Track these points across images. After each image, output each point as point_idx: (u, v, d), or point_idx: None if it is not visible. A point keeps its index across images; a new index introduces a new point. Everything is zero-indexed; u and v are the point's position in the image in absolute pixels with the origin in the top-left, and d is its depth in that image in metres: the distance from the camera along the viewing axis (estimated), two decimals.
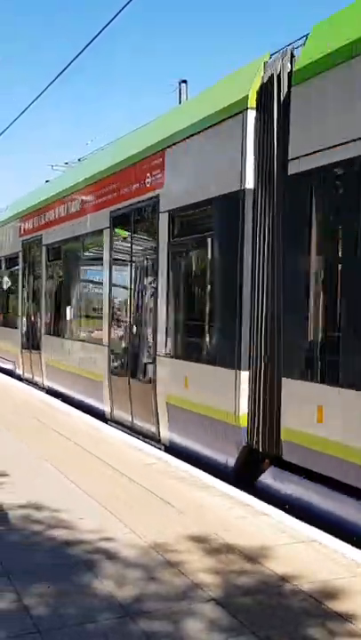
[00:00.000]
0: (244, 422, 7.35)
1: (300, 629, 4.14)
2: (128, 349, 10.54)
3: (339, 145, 5.99)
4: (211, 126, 8.12)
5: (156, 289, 9.39)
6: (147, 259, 10.11)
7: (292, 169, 6.62)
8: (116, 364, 10.92)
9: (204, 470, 7.87)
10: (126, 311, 10.81)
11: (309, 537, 5.68)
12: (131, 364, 10.37)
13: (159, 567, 5.02)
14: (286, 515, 6.25)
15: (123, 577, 4.85)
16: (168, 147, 9.19)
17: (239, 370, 7.37)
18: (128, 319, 10.68)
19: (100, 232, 11.50)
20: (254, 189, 7.26)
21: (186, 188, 8.73)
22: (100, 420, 11.11)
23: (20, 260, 16.85)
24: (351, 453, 5.81)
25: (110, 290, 11.14)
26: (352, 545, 5.48)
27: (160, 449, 9.15)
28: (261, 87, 7.25)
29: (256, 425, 7.15)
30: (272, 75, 7.06)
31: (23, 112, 27.78)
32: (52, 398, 13.48)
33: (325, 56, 6.21)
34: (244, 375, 7.33)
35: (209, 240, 8.40)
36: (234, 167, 7.53)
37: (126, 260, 10.72)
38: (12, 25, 60.81)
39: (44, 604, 4.41)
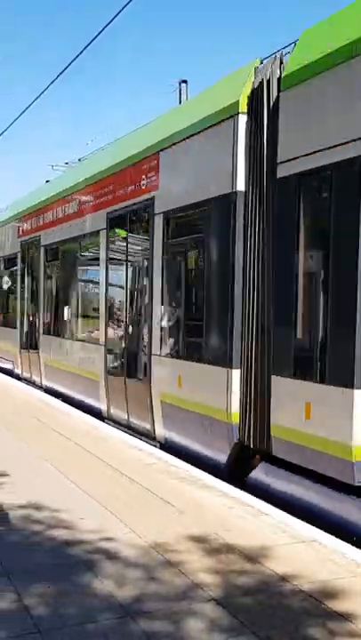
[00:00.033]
0: (235, 419, 7.52)
1: (301, 629, 4.15)
2: (124, 349, 10.72)
3: (319, 151, 6.21)
4: (204, 130, 8.29)
5: (151, 289, 9.57)
6: (142, 259, 10.28)
7: (281, 172, 6.80)
8: (112, 363, 11.09)
9: (198, 467, 8.03)
10: (122, 311, 10.98)
11: (310, 537, 5.71)
12: (127, 363, 10.55)
13: (159, 567, 5.04)
14: (287, 514, 6.29)
15: (123, 577, 4.87)
16: (162, 149, 9.37)
17: (231, 368, 7.54)
18: (124, 319, 10.86)
19: (97, 233, 11.67)
20: (245, 192, 7.43)
21: (180, 190, 8.90)
22: (97, 418, 11.28)
23: (19, 260, 17.03)
24: (335, 448, 5.99)
25: (107, 290, 11.31)
26: (352, 545, 5.54)
27: (155, 446, 9.32)
28: (252, 92, 7.42)
29: (247, 422, 7.32)
30: (262, 80, 7.23)
31: (23, 112, 27.90)
32: (52, 397, 13.59)
33: (311, 64, 6.39)
34: (236, 374, 7.50)
35: (202, 241, 8.58)
36: (226, 170, 7.70)
37: (122, 261, 10.90)
38: (12, 25, 61.02)
39: (45, 604, 4.43)
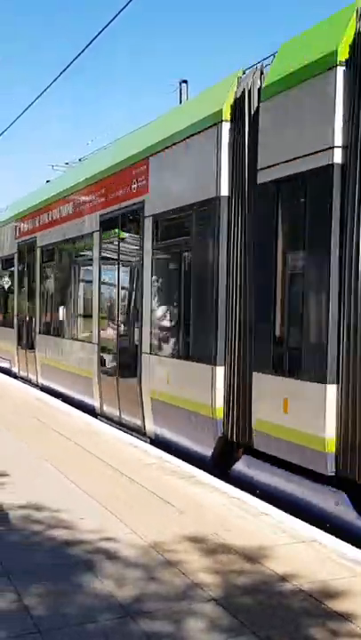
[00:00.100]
0: (220, 415, 7.85)
1: (301, 629, 4.17)
2: (116, 347, 11.06)
3: (295, 159, 6.56)
4: (190, 136, 8.62)
5: (142, 289, 9.90)
6: (133, 261, 10.62)
7: (261, 178, 7.14)
8: (105, 362, 11.43)
9: (186, 460, 8.35)
10: (114, 311, 11.32)
11: (310, 537, 5.75)
12: (119, 361, 10.89)
13: (159, 567, 5.07)
14: (287, 514, 6.36)
15: (123, 577, 4.89)
16: (152, 155, 9.70)
17: (215, 366, 7.87)
18: (116, 318, 11.19)
19: (90, 235, 12.01)
20: (229, 197, 7.76)
21: (168, 194, 9.23)
22: (91, 414, 11.61)
23: (16, 261, 17.38)
24: (309, 440, 6.33)
25: (99, 290, 11.66)
26: (352, 545, 5.61)
27: (146, 442, 9.65)
28: (235, 101, 7.75)
29: (230, 417, 7.65)
30: (244, 90, 7.56)
31: (23, 112, 27.95)
32: (50, 397, 13.78)
33: (287, 76, 6.74)
34: (220, 371, 7.83)
35: (188, 243, 8.90)
36: (210, 175, 8.03)
37: (114, 262, 11.24)
38: (12, 25, 61.25)
39: (45, 604, 4.45)
